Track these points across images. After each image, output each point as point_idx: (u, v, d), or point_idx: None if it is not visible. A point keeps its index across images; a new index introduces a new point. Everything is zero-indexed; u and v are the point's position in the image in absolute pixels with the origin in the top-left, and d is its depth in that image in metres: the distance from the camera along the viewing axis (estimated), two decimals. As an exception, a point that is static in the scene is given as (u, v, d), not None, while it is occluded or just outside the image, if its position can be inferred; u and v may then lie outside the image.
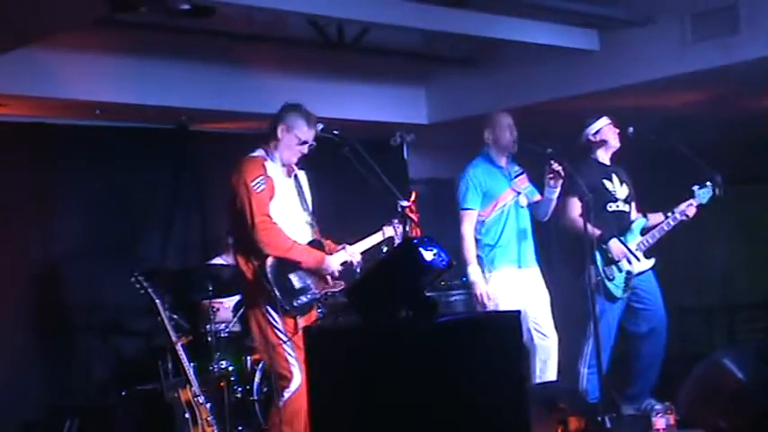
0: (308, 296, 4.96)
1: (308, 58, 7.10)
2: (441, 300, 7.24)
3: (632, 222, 6.25)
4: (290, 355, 4.85)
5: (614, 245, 6.03)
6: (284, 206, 4.99)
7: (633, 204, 6.37)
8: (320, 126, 4.99)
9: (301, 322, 4.87)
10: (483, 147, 6.11)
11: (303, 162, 5.20)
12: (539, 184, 6.09)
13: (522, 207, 6.08)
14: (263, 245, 4.83)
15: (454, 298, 7.49)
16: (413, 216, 4.75)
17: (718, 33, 6.54)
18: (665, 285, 6.31)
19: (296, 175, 5.16)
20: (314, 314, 5.11)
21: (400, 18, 6.24)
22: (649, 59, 6.87)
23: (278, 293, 4.82)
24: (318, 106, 5.09)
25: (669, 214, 6.17)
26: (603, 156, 6.31)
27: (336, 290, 5.14)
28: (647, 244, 6.16)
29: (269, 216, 4.86)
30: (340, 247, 5.17)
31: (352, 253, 5.15)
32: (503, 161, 6.10)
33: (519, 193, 6.08)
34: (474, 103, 7.67)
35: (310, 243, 5.05)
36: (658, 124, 6.41)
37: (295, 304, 4.87)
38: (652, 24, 6.84)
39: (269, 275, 4.82)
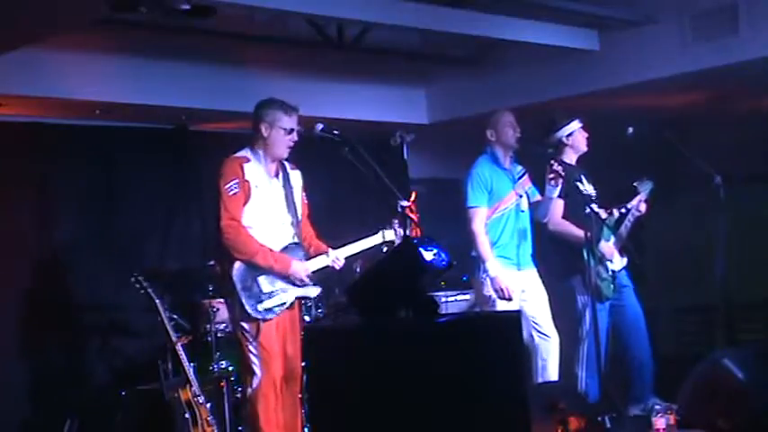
0: (277, 300, 5.02)
1: (308, 58, 7.10)
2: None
3: (604, 221, 6.24)
4: (252, 353, 4.98)
5: (605, 245, 6.04)
6: (264, 208, 5.07)
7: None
8: (320, 126, 4.96)
9: (269, 325, 4.97)
10: (486, 146, 6.10)
11: (302, 161, 5.19)
12: (539, 185, 6.09)
13: (523, 211, 6.08)
14: (229, 248, 4.98)
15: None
16: (413, 216, 4.74)
17: (718, 33, 6.54)
18: (665, 285, 6.31)
19: (286, 176, 5.19)
20: (288, 316, 5.12)
21: (400, 18, 6.24)
22: (649, 59, 6.87)
23: (242, 298, 4.94)
24: (318, 106, 5.10)
25: (623, 211, 6.18)
26: (571, 157, 6.31)
27: (311, 295, 5.23)
28: (619, 243, 6.18)
29: (237, 220, 4.99)
30: (324, 249, 5.22)
31: (336, 257, 5.19)
32: (507, 161, 6.09)
33: (521, 197, 6.08)
34: (474, 103, 7.67)
35: (286, 247, 5.10)
36: (658, 124, 6.41)
37: (259, 308, 4.97)
38: (652, 24, 6.84)
39: (234, 279, 4.95)
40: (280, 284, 5.05)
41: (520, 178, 6.12)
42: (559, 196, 5.96)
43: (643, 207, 6.21)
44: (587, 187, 6.26)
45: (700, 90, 7.37)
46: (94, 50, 6.41)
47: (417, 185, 7.41)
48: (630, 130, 6.26)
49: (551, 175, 5.83)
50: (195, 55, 6.79)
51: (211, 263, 6.82)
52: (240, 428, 6.24)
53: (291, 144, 5.11)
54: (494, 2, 6.44)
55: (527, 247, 6.09)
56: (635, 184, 6.21)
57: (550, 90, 7.43)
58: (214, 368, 6.15)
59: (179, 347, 5.66)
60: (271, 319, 4.99)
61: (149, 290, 5.69)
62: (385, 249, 5.41)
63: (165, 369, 5.85)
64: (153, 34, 6.29)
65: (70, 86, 6.39)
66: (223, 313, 6.60)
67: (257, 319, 4.97)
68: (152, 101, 6.81)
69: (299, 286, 5.11)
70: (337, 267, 5.21)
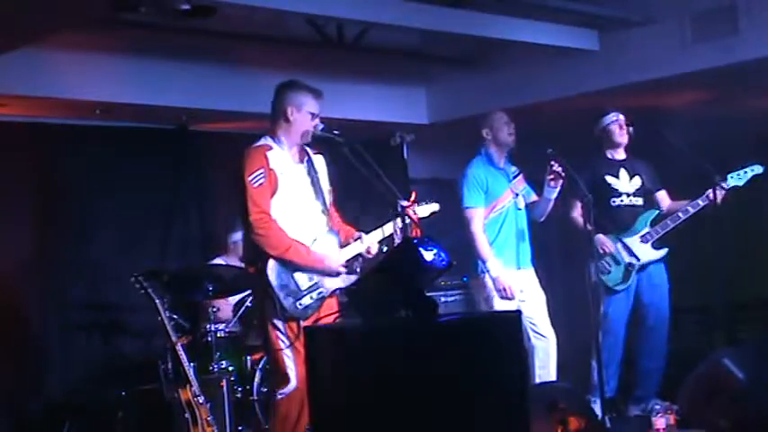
0: (315, 295, 4.80)
1: (308, 58, 7.09)
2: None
3: (639, 215, 6.24)
4: (288, 357, 4.73)
5: (598, 239, 6.04)
6: (293, 197, 4.82)
7: (660, 194, 6.38)
8: (320, 126, 4.93)
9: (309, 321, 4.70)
10: (481, 146, 6.11)
11: (319, 146, 5.09)
12: (535, 185, 6.10)
13: (520, 209, 6.09)
14: (260, 244, 4.70)
15: (453, 298, 7.53)
16: (413, 216, 4.73)
17: (718, 33, 6.53)
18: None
19: (309, 160, 4.97)
20: (326, 307, 4.86)
21: (400, 18, 6.24)
22: (649, 59, 6.87)
23: (279, 297, 4.69)
24: (319, 106, 5.07)
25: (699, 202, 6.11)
26: (612, 151, 6.33)
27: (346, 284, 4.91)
28: (655, 234, 6.15)
29: (267, 213, 4.70)
30: (356, 235, 4.98)
31: (371, 242, 4.94)
32: (502, 161, 6.11)
33: (517, 195, 6.09)
34: (474, 103, 7.66)
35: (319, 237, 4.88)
36: (658, 124, 6.41)
37: (298, 305, 4.72)
38: (652, 24, 6.84)
39: (269, 278, 4.69)
40: (316, 278, 4.80)
41: (515, 177, 6.14)
42: (580, 193, 5.94)
43: (718, 196, 6.05)
44: (622, 181, 6.25)
45: (700, 90, 7.36)
46: (94, 50, 6.41)
47: (417, 185, 7.41)
48: (630, 129, 6.28)
49: (551, 176, 5.83)
50: (195, 55, 6.79)
51: (213, 262, 6.87)
52: (240, 428, 6.25)
53: (313, 129, 4.87)
54: (494, 2, 6.44)
55: (526, 247, 6.10)
56: (736, 172, 6.08)
57: (550, 90, 7.43)
58: (214, 368, 6.15)
59: (179, 347, 5.65)
60: (310, 316, 4.73)
61: (149, 290, 5.68)
62: (385, 249, 5.40)
63: (165, 369, 5.84)
64: (153, 34, 6.29)
65: (70, 86, 6.39)
66: (223, 313, 6.62)
67: (297, 319, 4.70)
68: (152, 101, 6.80)
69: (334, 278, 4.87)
70: (370, 255, 4.94)
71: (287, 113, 4.86)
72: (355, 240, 4.96)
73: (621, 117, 6.29)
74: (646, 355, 6.25)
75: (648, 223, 6.20)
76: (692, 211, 6.11)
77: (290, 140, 4.89)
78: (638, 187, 6.29)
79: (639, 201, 6.29)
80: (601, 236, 6.06)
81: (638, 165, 6.36)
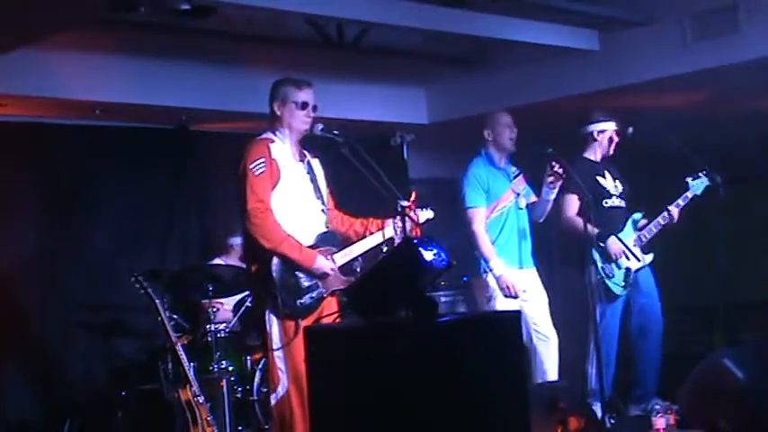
0: (315, 295, 4.79)
1: (308, 58, 7.09)
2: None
3: (628, 218, 6.24)
4: (278, 358, 4.72)
5: (612, 243, 6.03)
6: (293, 191, 4.83)
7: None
8: (320, 126, 4.93)
9: (304, 323, 4.66)
10: (481, 147, 6.11)
11: (315, 150, 5.11)
12: (535, 185, 6.10)
13: (521, 208, 6.10)
14: (254, 233, 4.67)
15: (454, 298, 7.54)
16: (413, 216, 4.72)
17: (719, 33, 6.54)
18: (665, 285, 6.31)
19: (309, 162, 5.00)
20: (327, 307, 4.86)
21: (400, 18, 6.24)
22: (649, 59, 6.88)
23: (281, 293, 4.68)
24: (318, 106, 5.08)
25: (669, 208, 6.14)
26: (596, 155, 6.31)
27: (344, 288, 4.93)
28: (644, 239, 6.15)
29: (264, 203, 4.70)
30: (370, 226, 5.03)
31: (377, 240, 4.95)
32: (502, 161, 6.11)
33: (518, 195, 6.09)
34: (474, 103, 7.66)
35: (322, 235, 4.89)
36: (658, 124, 6.41)
37: (298, 304, 4.72)
38: (652, 24, 6.84)
39: (273, 273, 4.69)
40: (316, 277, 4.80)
41: (515, 177, 6.14)
42: (581, 192, 5.94)
43: (683, 202, 6.12)
44: (610, 183, 6.25)
45: (700, 90, 7.37)
46: (94, 50, 6.41)
47: (417, 185, 7.42)
48: (630, 129, 6.27)
49: (551, 178, 5.82)
50: (195, 55, 6.79)
51: (213, 262, 6.87)
52: (240, 428, 6.25)
53: (308, 120, 4.88)
54: (494, 2, 6.44)
55: (527, 246, 6.10)
56: (687, 179, 6.15)
57: (550, 90, 7.43)
58: (214, 368, 6.15)
59: (179, 347, 5.66)
60: (309, 316, 4.71)
61: (149, 290, 5.68)
62: (385, 249, 5.40)
63: (165, 369, 5.84)
64: (153, 34, 6.28)
65: (70, 86, 6.39)
66: (223, 313, 6.63)
67: (294, 318, 4.69)
68: (152, 101, 6.81)
69: (335, 279, 4.85)
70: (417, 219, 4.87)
71: (274, 109, 4.92)
72: (380, 230, 4.97)
73: (615, 128, 6.28)
74: (642, 357, 6.25)
75: (636, 226, 6.20)
76: (668, 217, 6.12)
77: (288, 137, 4.92)
78: (621, 190, 6.30)
79: (623, 203, 6.29)
80: (614, 239, 6.04)
81: (614, 169, 6.36)
